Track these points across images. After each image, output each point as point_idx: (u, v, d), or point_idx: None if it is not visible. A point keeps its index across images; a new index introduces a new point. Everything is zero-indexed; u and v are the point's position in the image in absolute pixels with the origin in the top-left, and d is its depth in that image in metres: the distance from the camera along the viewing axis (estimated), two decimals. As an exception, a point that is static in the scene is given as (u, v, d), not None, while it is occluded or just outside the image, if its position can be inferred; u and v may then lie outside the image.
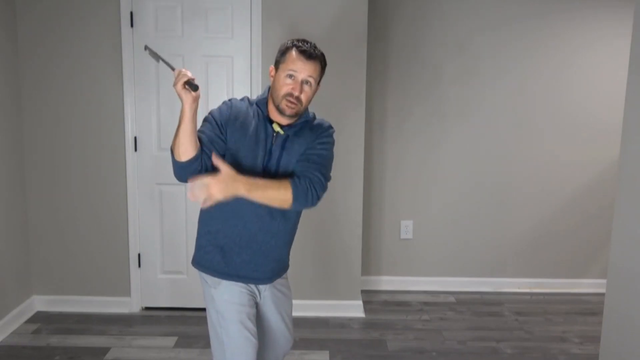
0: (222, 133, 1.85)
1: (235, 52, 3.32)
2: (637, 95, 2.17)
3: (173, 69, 1.77)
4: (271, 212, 1.88)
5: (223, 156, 1.85)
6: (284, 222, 1.92)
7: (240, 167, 1.84)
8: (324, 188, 1.86)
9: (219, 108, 1.91)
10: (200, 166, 1.82)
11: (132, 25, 3.27)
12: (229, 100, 1.94)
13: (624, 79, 2.50)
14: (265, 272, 1.95)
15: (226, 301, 1.90)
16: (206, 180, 1.70)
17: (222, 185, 1.70)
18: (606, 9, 3.78)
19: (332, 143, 1.95)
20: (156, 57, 1.86)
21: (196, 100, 1.74)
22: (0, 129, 3.13)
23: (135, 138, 3.38)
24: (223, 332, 1.90)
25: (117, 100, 3.33)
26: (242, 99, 1.96)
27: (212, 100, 3.34)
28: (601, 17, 3.79)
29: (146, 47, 1.91)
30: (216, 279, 1.91)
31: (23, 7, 3.26)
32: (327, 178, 1.90)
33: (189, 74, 1.72)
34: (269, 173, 1.87)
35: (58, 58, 3.30)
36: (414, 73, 3.81)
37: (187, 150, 1.76)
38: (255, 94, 3.32)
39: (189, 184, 1.73)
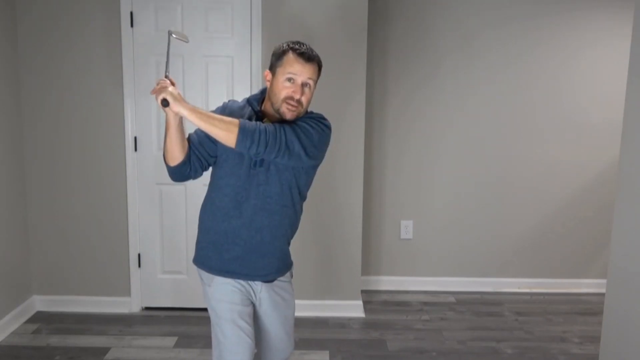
0: None
1: (235, 52, 3.31)
2: (637, 95, 2.17)
3: (165, 74, 1.78)
4: (253, 207, 1.86)
5: (215, 157, 1.90)
6: (268, 217, 1.88)
7: (227, 164, 1.86)
8: (281, 142, 1.75)
9: (216, 109, 1.94)
10: (189, 169, 1.88)
11: (132, 25, 3.26)
12: (228, 101, 2.00)
13: (624, 79, 2.50)
14: (256, 268, 1.91)
15: (218, 299, 1.91)
16: (169, 89, 1.70)
17: (176, 97, 1.69)
18: (606, 9, 3.77)
19: (320, 126, 1.85)
20: (167, 50, 1.82)
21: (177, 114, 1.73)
22: (0, 129, 3.13)
23: (135, 138, 3.38)
24: (218, 330, 1.91)
25: (117, 100, 3.33)
26: (242, 100, 1.98)
27: (212, 100, 3.34)
28: (601, 18, 3.79)
29: (170, 33, 1.83)
30: (210, 275, 1.93)
31: (23, 7, 3.26)
32: (301, 142, 1.79)
33: (168, 89, 1.69)
34: (255, 168, 1.84)
35: (58, 58, 3.30)
36: (414, 73, 3.80)
37: (174, 157, 1.84)
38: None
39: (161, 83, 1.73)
